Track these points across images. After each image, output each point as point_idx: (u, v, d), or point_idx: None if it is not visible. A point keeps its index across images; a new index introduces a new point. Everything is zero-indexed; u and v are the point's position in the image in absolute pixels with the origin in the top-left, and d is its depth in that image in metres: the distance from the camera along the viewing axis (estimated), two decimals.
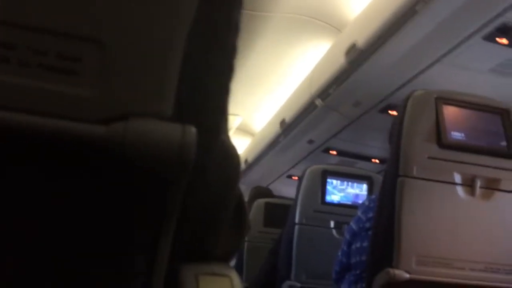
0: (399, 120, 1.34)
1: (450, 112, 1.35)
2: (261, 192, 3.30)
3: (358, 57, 2.21)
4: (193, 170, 0.31)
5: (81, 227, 0.31)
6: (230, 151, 0.43)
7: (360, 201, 2.20)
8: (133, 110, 0.29)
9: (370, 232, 1.48)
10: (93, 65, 0.29)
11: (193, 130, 0.30)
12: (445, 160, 1.30)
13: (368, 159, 3.44)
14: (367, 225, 1.53)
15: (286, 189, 4.38)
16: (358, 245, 1.56)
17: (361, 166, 3.27)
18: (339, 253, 1.66)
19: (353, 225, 1.62)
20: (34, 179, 0.30)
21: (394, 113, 2.55)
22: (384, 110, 2.60)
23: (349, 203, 2.35)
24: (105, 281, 0.32)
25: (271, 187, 4.46)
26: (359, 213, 1.61)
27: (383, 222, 1.30)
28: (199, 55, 0.33)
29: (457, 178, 1.31)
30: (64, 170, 0.30)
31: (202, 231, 0.40)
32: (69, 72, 0.28)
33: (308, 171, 2.34)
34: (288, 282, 2.24)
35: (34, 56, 0.28)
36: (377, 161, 3.45)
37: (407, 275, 1.23)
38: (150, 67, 0.30)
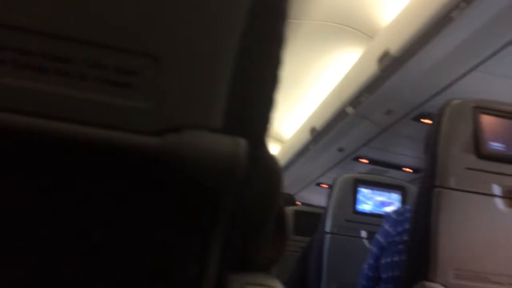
0: (435, 130, 1.31)
1: (488, 121, 1.31)
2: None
3: (391, 65, 2.18)
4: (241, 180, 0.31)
5: (133, 237, 0.32)
6: (271, 160, 0.44)
7: None
8: (186, 122, 0.30)
9: (400, 246, 1.45)
10: (149, 78, 0.29)
11: (243, 142, 0.31)
12: (483, 171, 1.26)
13: (399, 167, 3.38)
14: (397, 239, 1.50)
15: (314, 197, 4.36)
16: (388, 260, 1.52)
17: (392, 175, 3.22)
18: (365, 266, 1.63)
19: (380, 238, 1.58)
20: (88, 189, 0.31)
21: (428, 121, 2.51)
22: (417, 118, 2.55)
23: (381, 213, 2.31)
24: None
25: (300, 194, 4.44)
26: (386, 226, 1.57)
27: (418, 233, 1.28)
28: (245, 66, 0.34)
29: (496, 189, 1.28)
30: (118, 180, 0.31)
31: (247, 240, 0.40)
32: (126, 85, 0.29)
33: (339, 179, 2.31)
34: None
35: (92, 69, 0.29)
36: (408, 170, 3.39)
37: None
38: (202, 80, 0.31)
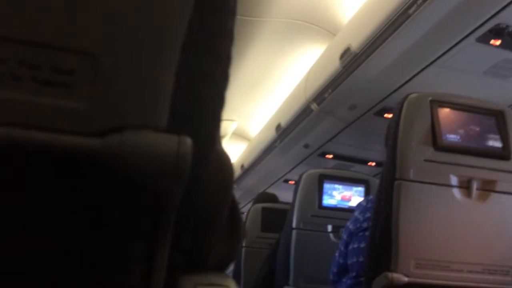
0: (394, 123, 1.34)
1: (445, 114, 1.35)
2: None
3: (352, 61, 2.21)
4: (188, 179, 0.31)
5: (73, 240, 0.31)
6: (223, 159, 0.43)
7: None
8: (128, 121, 0.29)
9: (367, 233, 1.48)
10: (87, 77, 0.28)
11: (188, 140, 0.30)
12: (441, 162, 1.30)
13: (364, 162, 3.44)
14: (364, 225, 1.53)
15: (283, 194, 4.38)
16: (355, 245, 1.55)
17: (357, 170, 3.27)
18: (337, 254, 1.66)
19: (350, 225, 1.62)
20: (29, 191, 0.30)
21: (390, 116, 2.56)
22: (380, 113, 2.60)
23: (346, 207, 2.35)
24: None
25: (268, 192, 4.45)
26: (356, 213, 1.61)
27: (380, 225, 1.30)
28: (193, 64, 0.33)
29: (454, 180, 1.32)
30: (58, 183, 0.30)
31: (197, 240, 0.39)
32: (62, 85, 0.28)
33: (304, 175, 2.33)
34: None
35: (26, 70, 0.28)
36: (373, 164, 3.46)
37: (406, 279, 1.23)
38: (144, 79, 0.30)
